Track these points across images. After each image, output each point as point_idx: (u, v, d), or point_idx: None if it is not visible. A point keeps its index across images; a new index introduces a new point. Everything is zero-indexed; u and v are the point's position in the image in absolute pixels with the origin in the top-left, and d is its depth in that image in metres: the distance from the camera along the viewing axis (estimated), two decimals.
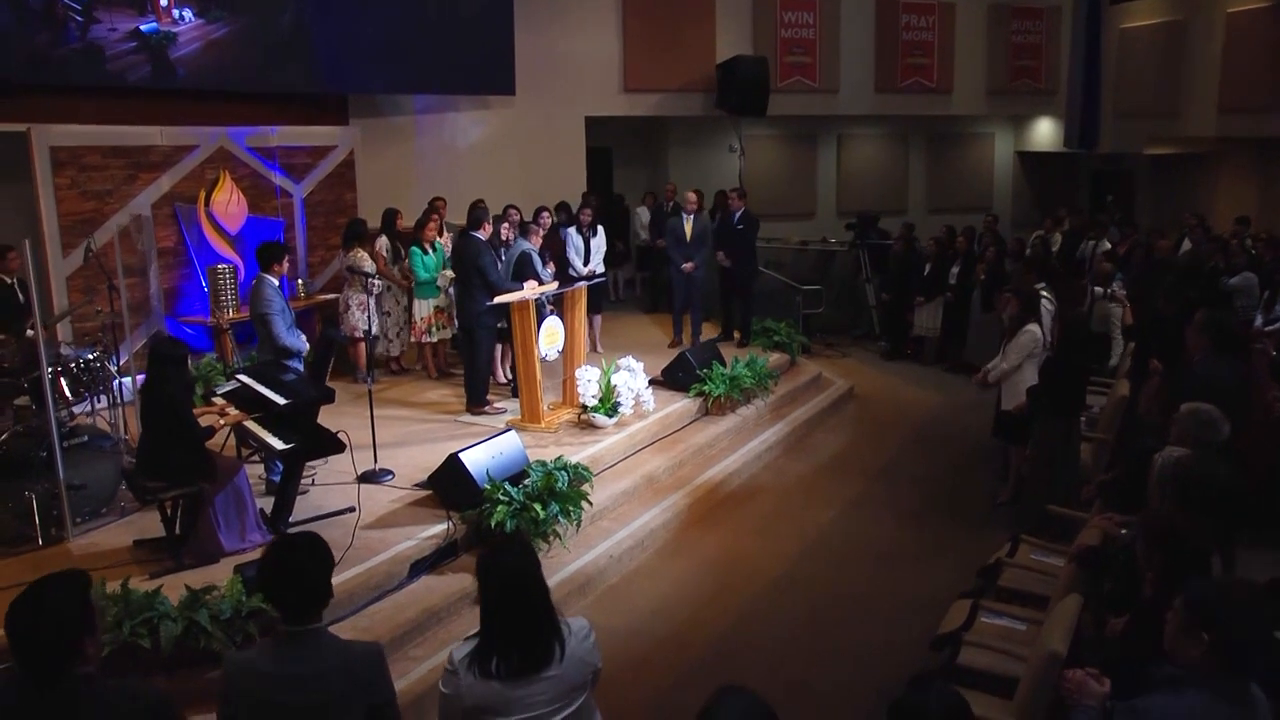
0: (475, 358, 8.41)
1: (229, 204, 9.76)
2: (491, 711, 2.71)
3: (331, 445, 5.63)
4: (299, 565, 2.72)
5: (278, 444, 5.46)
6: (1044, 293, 8.11)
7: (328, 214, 10.78)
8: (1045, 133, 16.71)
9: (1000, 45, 15.51)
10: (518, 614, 2.72)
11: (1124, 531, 4.41)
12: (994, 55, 15.53)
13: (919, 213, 16.27)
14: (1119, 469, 5.42)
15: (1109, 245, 11.57)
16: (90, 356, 6.78)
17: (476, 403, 8.42)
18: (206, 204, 9.63)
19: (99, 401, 7.08)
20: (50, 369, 6.31)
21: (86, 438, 6.19)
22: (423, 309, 9.39)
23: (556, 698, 2.75)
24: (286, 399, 5.54)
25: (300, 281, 10.20)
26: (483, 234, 8.18)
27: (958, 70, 15.26)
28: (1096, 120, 14.84)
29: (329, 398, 5.83)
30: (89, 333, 7.68)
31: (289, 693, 2.66)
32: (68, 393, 6.54)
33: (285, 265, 6.70)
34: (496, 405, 8.50)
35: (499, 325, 8.50)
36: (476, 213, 8.22)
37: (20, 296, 7.97)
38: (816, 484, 8.33)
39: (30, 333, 7.58)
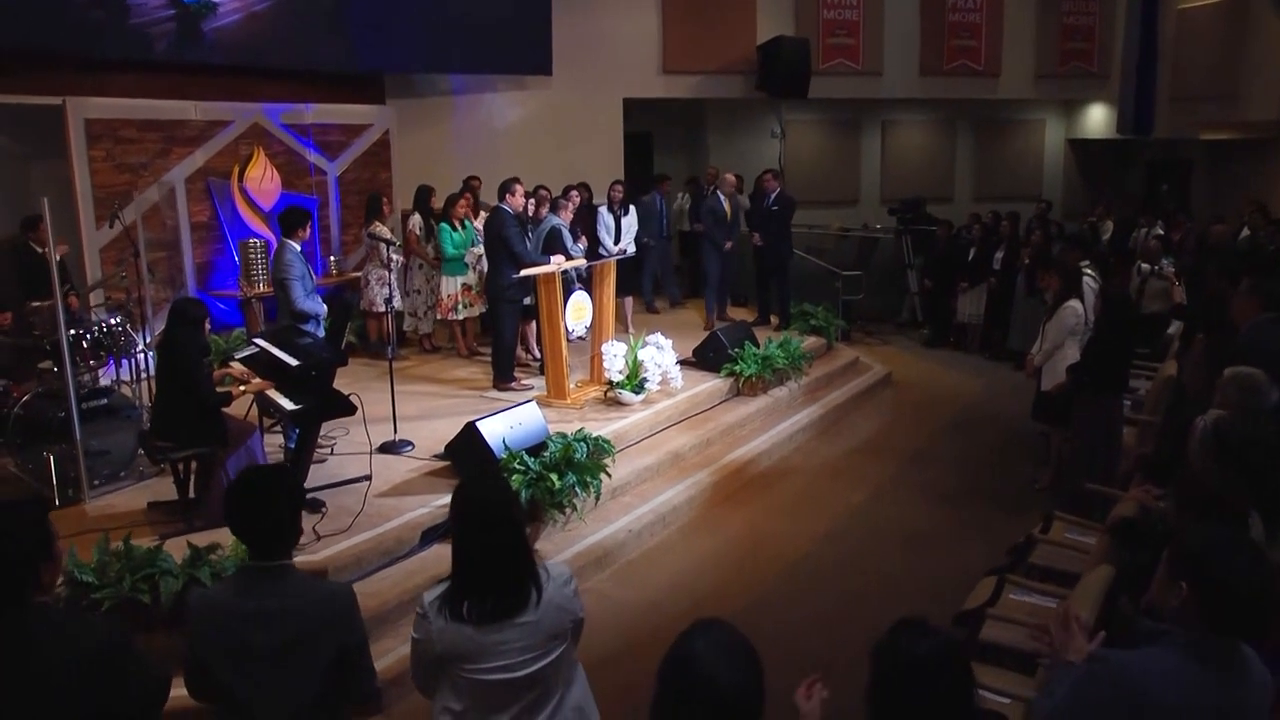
0: (500, 333, 8.30)
1: (262, 180, 9.77)
2: (463, 658, 2.57)
3: (343, 407, 5.54)
4: (265, 498, 2.60)
5: (287, 404, 5.40)
6: (1087, 270, 7.79)
7: (362, 193, 10.72)
8: (1098, 119, 16.21)
9: (1051, 27, 14.98)
10: (491, 553, 2.57)
11: (1162, 504, 4.17)
12: (1044, 37, 15.00)
13: (965, 201, 15.88)
14: (1160, 443, 5.15)
15: (1160, 233, 11.17)
16: (113, 320, 6.79)
17: (502, 379, 8.32)
18: (240, 179, 9.64)
19: (121, 367, 7.07)
20: (73, 331, 6.35)
21: (106, 400, 6.16)
22: (449, 286, 9.30)
23: (532, 646, 2.59)
24: (299, 361, 5.46)
25: (333, 258, 10.21)
26: (510, 205, 8.06)
27: (1006, 53, 14.78)
28: (1152, 105, 14.29)
29: (341, 359, 5.76)
30: (119, 303, 7.71)
31: (254, 630, 2.55)
32: (91, 358, 6.55)
33: (308, 231, 6.61)
34: (524, 383, 8.39)
35: (525, 301, 8.38)
36: (506, 183, 8.11)
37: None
38: (848, 466, 8.11)
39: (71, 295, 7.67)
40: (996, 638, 4.11)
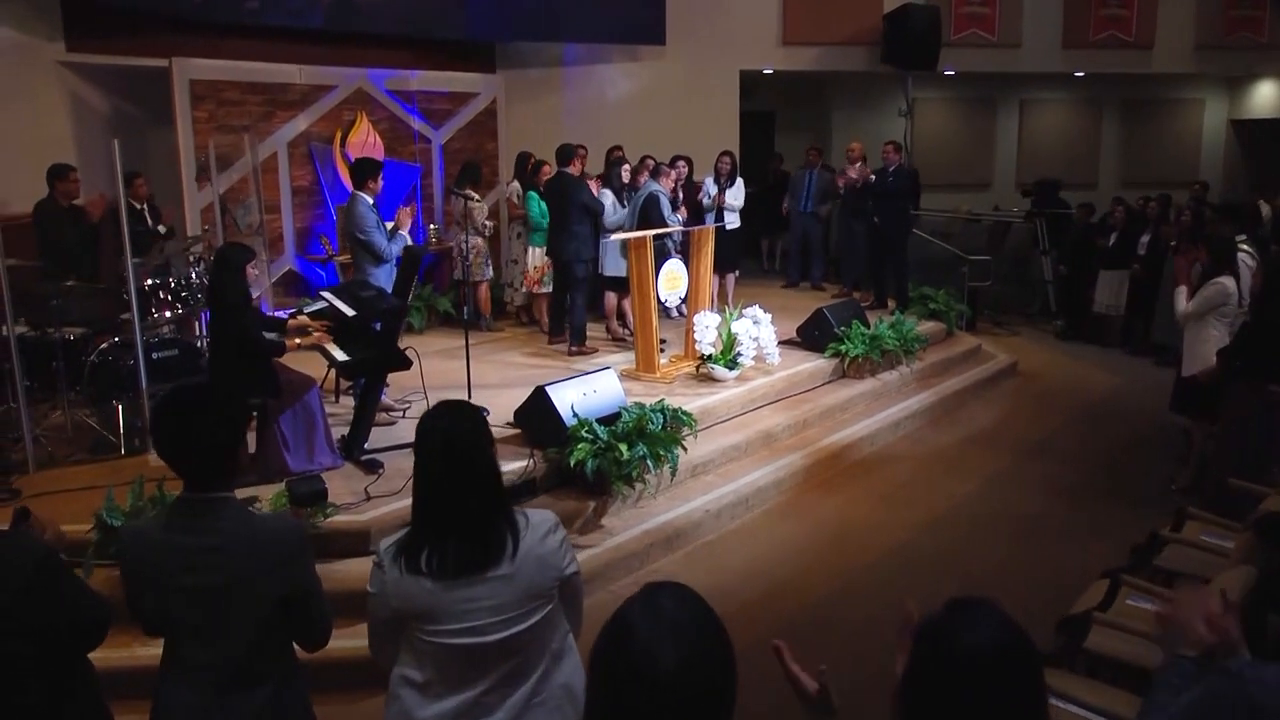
0: (573, 299, 8.17)
1: (365, 146, 9.65)
2: (421, 616, 2.17)
3: (398, 362, 5.26)
4: (193, 421, 2.25)
5: (339, 355, 5.15)
6: (1244, 246, 6.89)
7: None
8: (1266, 96, 14.77)
9: None
10: (452, 492, 2.17)
11: None
12: (1206, 4, 13.56)
13: (1111, 188, 14.66)
14: None
15: None
16: (193, 274, 6.73)
17: (577, 342, 8.16)
18: (342, 145, 9.57)
19: (199, 322, 7.04)
20: (150, 281, 6.31)
21: (178, 351, 6.08)
22: (535, 257, 8.95)
23: (506, 605, 2.18)
24: (358, 312, 5.21)
25: (434, 227, 10.08)
26: (574, 170, 7.86)
27: (1161, 22, 13.48)
28: None
29: (399, 310, 5.48)
30: (202, 255, 7.69)
31: (185, 569, 2.22)
32: (168, 309, 6.49)
33: (379, 183, 6.37)
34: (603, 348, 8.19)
35: (615, 273, 8.13)
36: (565, 149, 7.87)
37: (149, 222, 8.10)
38: (959, 456, 7.43)
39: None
40: (1104, 647, 3.49)
